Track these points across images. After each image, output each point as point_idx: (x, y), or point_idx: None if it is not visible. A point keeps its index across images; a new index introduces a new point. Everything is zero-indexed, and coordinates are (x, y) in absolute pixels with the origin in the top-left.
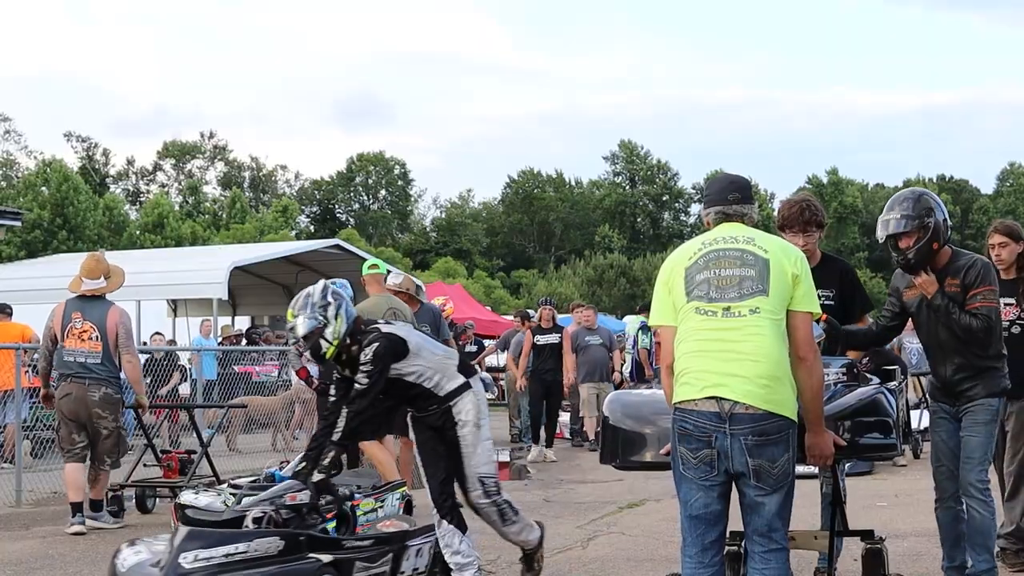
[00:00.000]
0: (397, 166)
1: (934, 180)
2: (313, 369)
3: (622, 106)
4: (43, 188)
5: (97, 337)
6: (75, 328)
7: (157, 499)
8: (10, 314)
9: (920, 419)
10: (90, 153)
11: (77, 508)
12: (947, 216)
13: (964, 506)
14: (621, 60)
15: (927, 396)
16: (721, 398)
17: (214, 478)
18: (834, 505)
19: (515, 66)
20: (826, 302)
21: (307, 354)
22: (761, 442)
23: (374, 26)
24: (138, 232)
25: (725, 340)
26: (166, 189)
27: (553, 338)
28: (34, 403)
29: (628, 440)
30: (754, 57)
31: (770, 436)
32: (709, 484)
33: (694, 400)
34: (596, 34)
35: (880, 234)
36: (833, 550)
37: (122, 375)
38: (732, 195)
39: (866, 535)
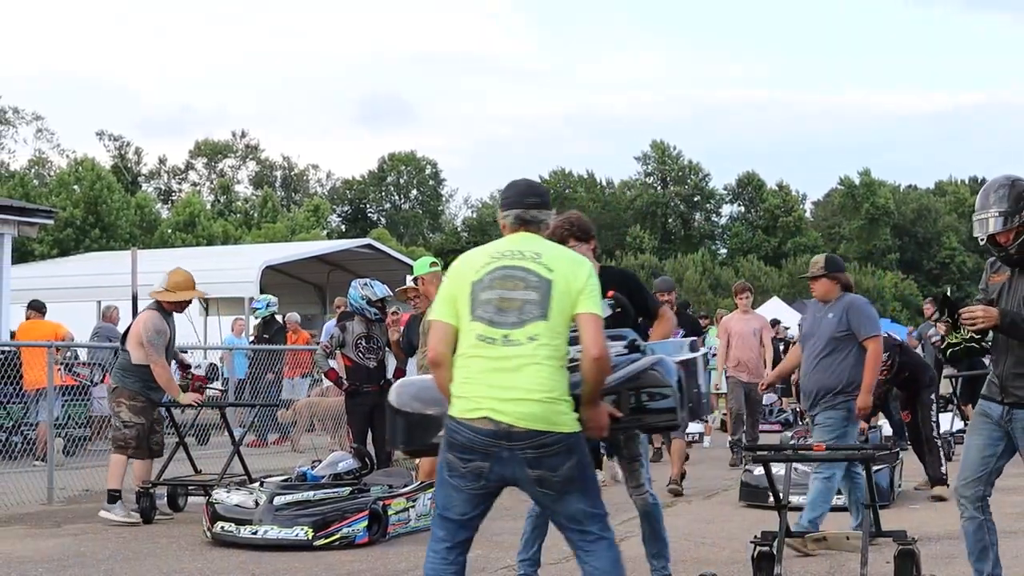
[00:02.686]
0: (428, 166)
1: (965, 181)
2: (341, 370)
3: (647, 106)
4: (75, 187)
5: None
6: None
7: (188, 497)
8: (44, 312)
9: (952, 422)
10: (122, 152)
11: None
12: None
13: (987, 517)
14: (646, 60)
15: (957, 397)
16: (497, 421)
17: (245, 476)
18: (867, 506)
19: (538, 67)
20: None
21: (338, 352)
22: (540, 455)
23: (394, 26)
24: (170, 231)
25: (502, 370)
26: (198, 188)
27: None
28: (66, 401)
29: (415, 423)
30: (779, 58)
31: (548, 448)
32: (473, 493)
33: (470, 419)
34: (621, 34)
35: (978, 234)
36: (866, 551)
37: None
38: (531, 199)
39: (898, 536)
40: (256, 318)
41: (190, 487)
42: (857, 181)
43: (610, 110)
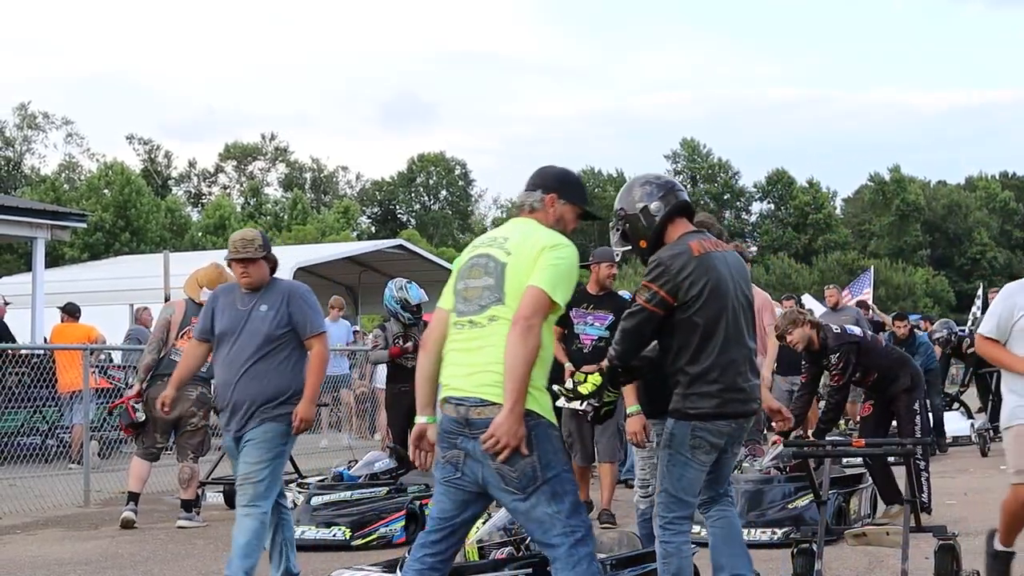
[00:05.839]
0: (458, 166)
1: (996, 176)
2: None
3: (676, 106)
4: (105, 191)
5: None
6: (191, 332)
7: None
8: (78, 316)
9: (975, 422)
10: (152, 155)
11: (133, 497)
12: (649, 200)
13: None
14: (674, 60)
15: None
16: (458, 403)
17: (296, 475)
18: (908, 501)
19: (567, 67)
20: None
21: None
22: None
23: (423, 26)
24: (200, 234)
25: (467, 350)
26: (228, 191)
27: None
28: (100, 404)
29: None
30: (809, 57)
31: None
32: (452, 486)
33: (442, 403)
34: (648, 34)
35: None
36: (907, 547)
37: None
38: (528, 183)
39: (938, 531)
40: None
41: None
42: (887, 177)
43: (639, 109)
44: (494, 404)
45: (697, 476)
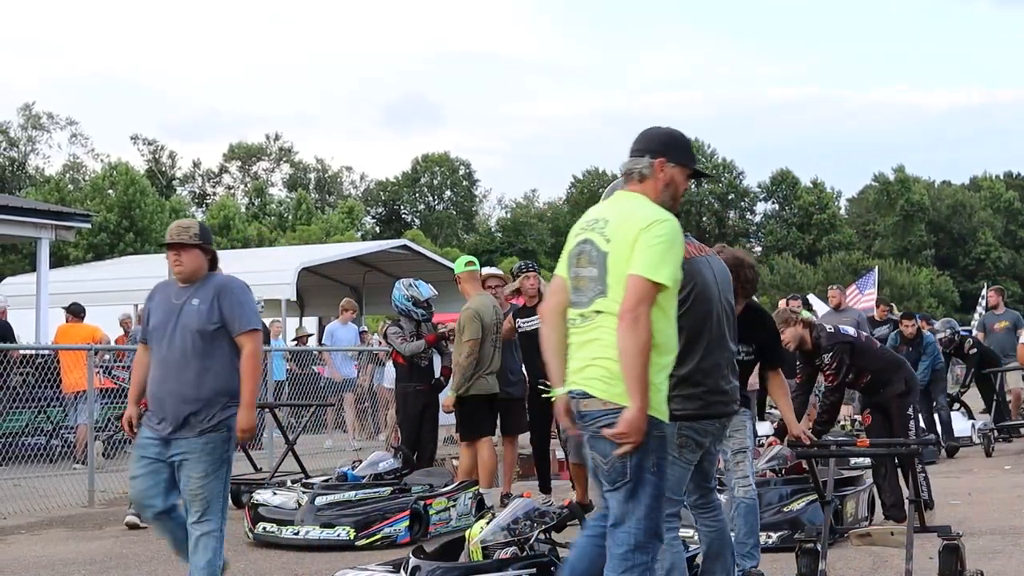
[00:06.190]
0: (462, 166)
1: (1001, 176)
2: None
3: (677, 106)
4: (110, 191)
5: None
6: None
7: (251, 495)
8: (82, 317)
9: (974, 424)
10: (156, 156)
11: None
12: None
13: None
14: (674, 60)
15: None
16: (572, 396)
17: (302, 474)
18: (912, 501)
19: (566, 66)
20: (745, 357)
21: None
22: (598, 435)
23: (426, 27)
24: None
25: (580, 344)
26: (232, 191)
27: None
28: (104, 404)
29: None
30: (809, 57)
31: (596, 420)
32: (595, 478)
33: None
34: (648, 34)
35: None
36: (911, 547)
37: None
38: (633, 148)
39: (943, 531)
40: None
41: (252, 485)
42: (891, 177)
43: (644, 109)
44: (595, 397)
45: (683, 474)
